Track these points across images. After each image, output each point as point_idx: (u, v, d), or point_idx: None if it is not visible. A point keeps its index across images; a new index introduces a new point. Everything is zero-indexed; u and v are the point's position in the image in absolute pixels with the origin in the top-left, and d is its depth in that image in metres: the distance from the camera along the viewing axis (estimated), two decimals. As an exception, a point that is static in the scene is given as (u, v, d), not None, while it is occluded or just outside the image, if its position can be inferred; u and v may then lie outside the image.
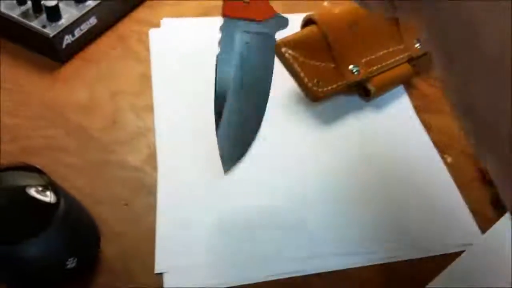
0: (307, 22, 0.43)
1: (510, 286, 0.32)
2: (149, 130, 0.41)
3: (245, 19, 0.30)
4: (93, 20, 0.47)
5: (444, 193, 0.39)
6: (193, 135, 0.41)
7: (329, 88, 0.42)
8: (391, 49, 0.45)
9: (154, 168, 0.39)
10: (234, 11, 0.30)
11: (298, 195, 0.38)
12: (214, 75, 0.37)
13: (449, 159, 0.42)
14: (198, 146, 0.40)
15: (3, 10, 0.44)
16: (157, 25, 0.50)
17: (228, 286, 0.33)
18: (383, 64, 0.44)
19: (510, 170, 0.21)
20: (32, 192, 0.29)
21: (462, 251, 0.35)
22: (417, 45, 0.46)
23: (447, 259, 0.35)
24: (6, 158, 0.37)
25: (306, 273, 0.34)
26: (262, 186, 0.38)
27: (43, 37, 0.43)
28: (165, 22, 0.51)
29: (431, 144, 0.43)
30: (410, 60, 0.46)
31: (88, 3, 0.46)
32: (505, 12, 0.19)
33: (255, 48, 0.30)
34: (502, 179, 0.22)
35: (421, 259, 0.35)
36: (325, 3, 0.53)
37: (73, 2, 0.46)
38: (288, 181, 0.39)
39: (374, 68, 0.44)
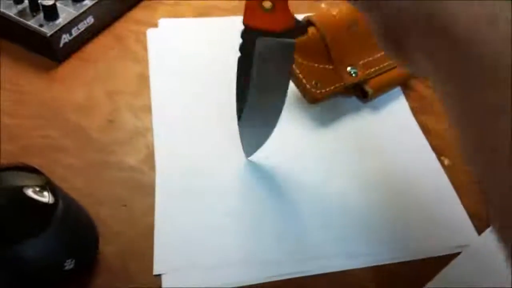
0: (306, 23, 0.43)
1: (509, 287, 0.32)
2: (148, 130, 0.41)
3: (265, 30, 0.30)
4: (90, 20, 0.47)
5: (441, 195, 0.40)
6: (191, 135, 0.41)
7: (327, 89, 0.42)
8: (388, 51, 0.45)
9: (153, 168, 0.38)
10: (254, 20, 0.30)
11: (296, 197, 0.38)
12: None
13: (446, 161, 0.42)
14: (196, 146, 0.40)
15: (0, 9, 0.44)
16: (155, 25, 0.50)
17: (227, 287, 0.33)
18: (381, 66, 0.44)
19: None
20: (30, 192, 0.29)
21: (459, 253, 0.36)
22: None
23: (444, 260, 0.35)
24: (4, 158, 0.37)
25: (305, 274, 0.34)
26: (261, 188, 0.38)
27: (40, 36, 0.43)
28: (163, 22, 0.50)
29: (428, 146, 0.43)
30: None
31: (85, 2, 0.46)
32: None
33: (274, 54, 0.31)
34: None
35: (418, 260, 0.35)
36: (323, 4, 0.53)
37: (70, 1, 0.46)
38: (285, 183, 0.39)
39: (372, 70, 0.44)
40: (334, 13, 0.44)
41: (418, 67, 0.27)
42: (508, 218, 0.23)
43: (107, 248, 0.33)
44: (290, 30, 0.30)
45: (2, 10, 0.44)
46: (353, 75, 0.43)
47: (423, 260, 0.35)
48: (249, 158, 0.40)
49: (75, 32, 0.45)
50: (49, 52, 0.45)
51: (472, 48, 0.22)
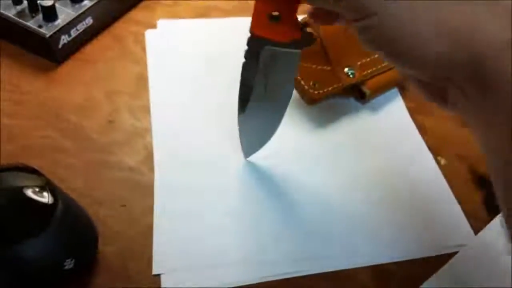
0: (303, 25, 0.44)
1: (509, 287, 0.32)
2: (146, 131, 0.41)
3: (271, 40, 0.30)
4: (89, 20, 0.47)
5: (437, 195, 0.40)
6: (190, 136, 0.41)
7: (325, 90, 0.42)
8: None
9: (152, 169, 0.39)
10: (261, 29, 0.30)
11: (294, 197, 0.39)
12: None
13: (442, 161, 0.42)
14: (194, 147, 0.41)
15: (-1, 10, 0.44)
16: (154, 26, 0.50)
17: (226, 287, 0.33)
18: (378, 67, 0.45)
19: None
20: (30, 193, 0.29)
21: (456, 252, 0.36)
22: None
23: (440, 260, 0.35)
24: (3, 159, 0.37)
25: (304, 274, 0.34)
26: (259, 188, 0.39)
27: (39, 37, 0.43)
28: (161, 23, 0.51)
29: (425, 146, 0.43)
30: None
31: (84, 3, 0.46)
32: None
33: (279, 63, 0.32)
34: None
35: (415, 260, 0.36)
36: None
37: (69, 2, 0.46)
38: (284, 184, 0.39)
39: (369, 71, 0.44)
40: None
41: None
42: None
43: (106, 248, 0.34)
44: (296, 41, 0.30)
45: (1, 11, 0.44)
46: (351, 76, 0.43)
47: (420, 259, 0.36)
48: (247, 159, 0.40)
49: (74, 33, 0.46)
50: (48, 53, 0.45)
51: None
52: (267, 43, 0.31)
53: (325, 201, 0.38)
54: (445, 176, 0.41)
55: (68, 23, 0.45)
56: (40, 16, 0.44)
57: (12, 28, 0.44)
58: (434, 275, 0.34)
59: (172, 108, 0.43)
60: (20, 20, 0.44)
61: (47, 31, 0.43)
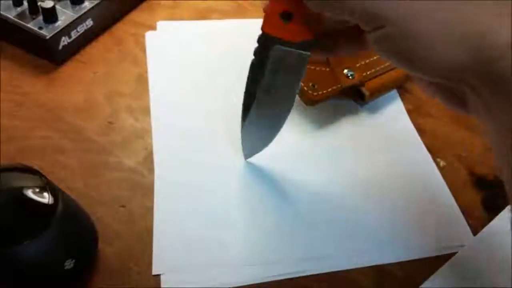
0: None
1: (509, 287, 0.32)
2: (146, 132, 0.41)
3: (281, 39, 0.31)
4: (89, 22, 0.47)
5: (437, 196, 0.40)
6: (190, 137, 0.41)
7: (325, 91, 0.43)
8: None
9: (151, 169, 0.39)
10: (272, 29, 0.30)
11: (294, 198, 0.39)
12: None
13: (441, 163, 0.42)
14: (194, 147, 0.41)
15: (-1, 11, 0.44)
16: (154, 27, 0.50)
17: (226, 287, 0.33)
18: (377, 68, 0.45)
19: None
20: (30, 193, 0.29)
21: (455, 253, 0.36)
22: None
23: (440, 260, 0.36)
24: (3, 159, 0.37)
25: (304, 274, 0.34)
26: (259, 189, 0.39)
27: (40, 38, 0.43)
28: (161, 24, 0.51)
29: (424, 148, 0.43)
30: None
31: (84, 4, 0.46)
32: None
33: (287, 64, 0.32)
34: None
35: (414, 260, 0.36)
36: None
37: (69, 3, 0.46)
38: (283, 184, 0.39)
39: (369, 72, 0.44)
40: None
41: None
42: None
43: (106, 249, 0.34)
44: (307, 42, 0.31)
45: (1, 12, 0.44)
46: (350, 77, 0.43)
47: (419, 260, 0.36)
48: (247, 160, 0.40)
49: (74, 34, 0.46)
50: (49, 55, 0.45)
51: None
52: (277, 42, 0.31)
53: (324, 202, 0.39)
54: (444, 178, 0.41)
55: (68, 25, 0.45)
56: (41, 17, 0.44)
57: (12, 30, 0.44)
58: (434, 275, 0.35)
59: (172, 109, 0.43)
60: (21, 22, 0.44)
61: (47, 32, 0.43)
